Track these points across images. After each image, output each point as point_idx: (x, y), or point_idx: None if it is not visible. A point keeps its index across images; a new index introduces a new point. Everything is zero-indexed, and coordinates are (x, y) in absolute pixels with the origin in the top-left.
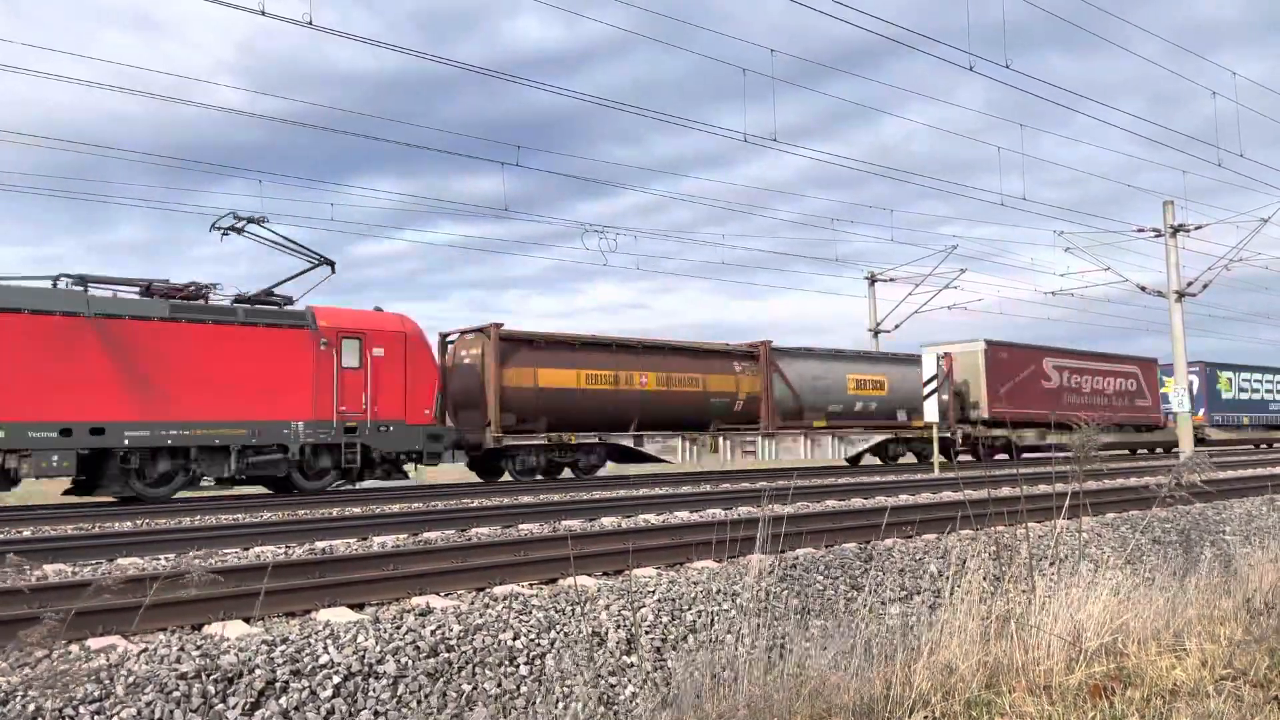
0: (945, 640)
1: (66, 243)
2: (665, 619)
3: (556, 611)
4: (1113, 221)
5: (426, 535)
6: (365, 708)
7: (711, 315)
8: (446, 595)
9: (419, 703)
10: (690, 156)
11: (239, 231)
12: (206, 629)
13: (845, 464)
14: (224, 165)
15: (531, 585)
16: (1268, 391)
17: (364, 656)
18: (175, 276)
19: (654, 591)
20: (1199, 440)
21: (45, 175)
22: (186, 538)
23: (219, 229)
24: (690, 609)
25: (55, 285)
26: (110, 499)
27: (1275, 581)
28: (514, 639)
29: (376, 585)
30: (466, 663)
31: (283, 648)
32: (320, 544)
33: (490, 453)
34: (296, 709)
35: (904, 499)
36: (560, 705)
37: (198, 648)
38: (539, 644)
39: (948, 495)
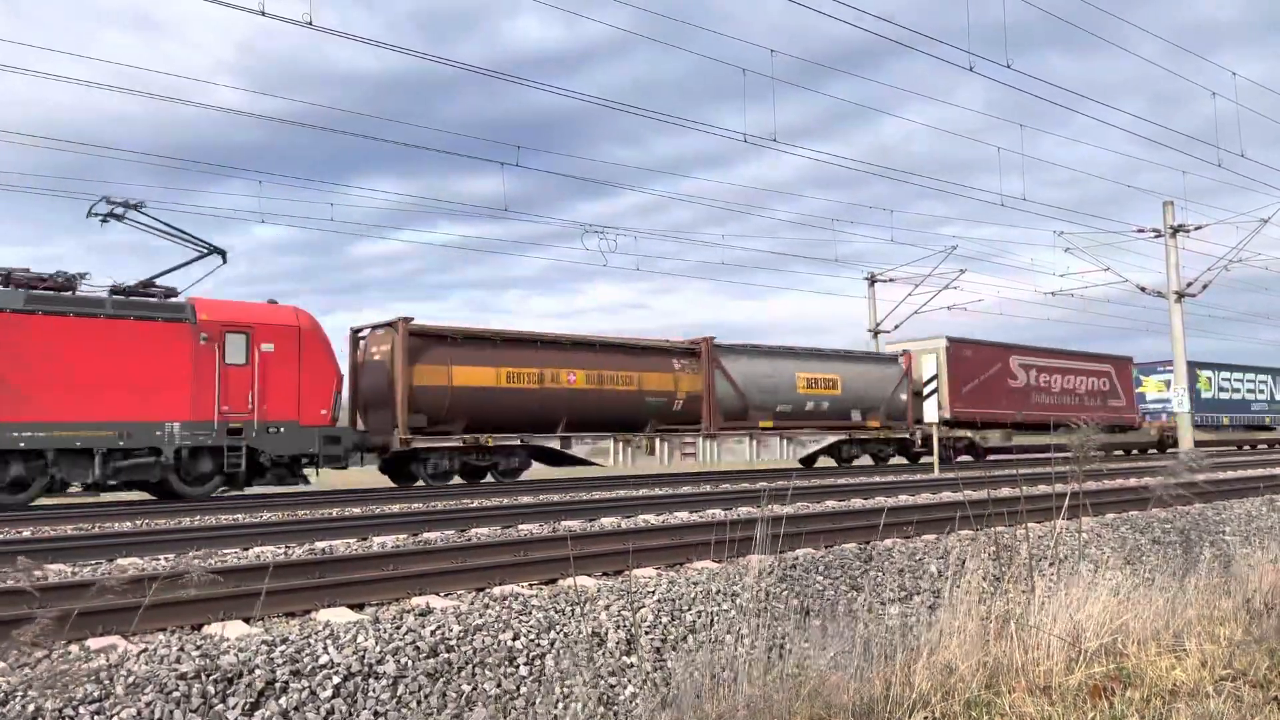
0: (945, 640)
1: (66, 243)
2: (665, 619)
3: (556, 612)
4: (1112, 222)
5: (426, 535)
6: (365, 708)
7: (711, 315)
8: (446, 595)
9: (419, 703)
10: (690, 157)
11: (118, 218)
12: (206, 629)
13: (799, 465)
14: (223, 165)
15: (531, 585)
16: (1249, 391)
17: (364, 657)
18: (175, 277)
19: (654, 592)
20: (1176, 442)
21: (45, 175)
22: (186, 538)
23: (96, 215)
24: (690, 609)
25: None
26: None
27: (1275, 582)
28: (514, 639)
29: (376, 585)
30: (466, 663)
31: (282, 648)
32: (320, 544)
33: (401, 456)
34: (296, 709)
35: (903, 499)
36: (560, 705)
37: (197, 648)
38: (539, 644)
39: (947, 495)
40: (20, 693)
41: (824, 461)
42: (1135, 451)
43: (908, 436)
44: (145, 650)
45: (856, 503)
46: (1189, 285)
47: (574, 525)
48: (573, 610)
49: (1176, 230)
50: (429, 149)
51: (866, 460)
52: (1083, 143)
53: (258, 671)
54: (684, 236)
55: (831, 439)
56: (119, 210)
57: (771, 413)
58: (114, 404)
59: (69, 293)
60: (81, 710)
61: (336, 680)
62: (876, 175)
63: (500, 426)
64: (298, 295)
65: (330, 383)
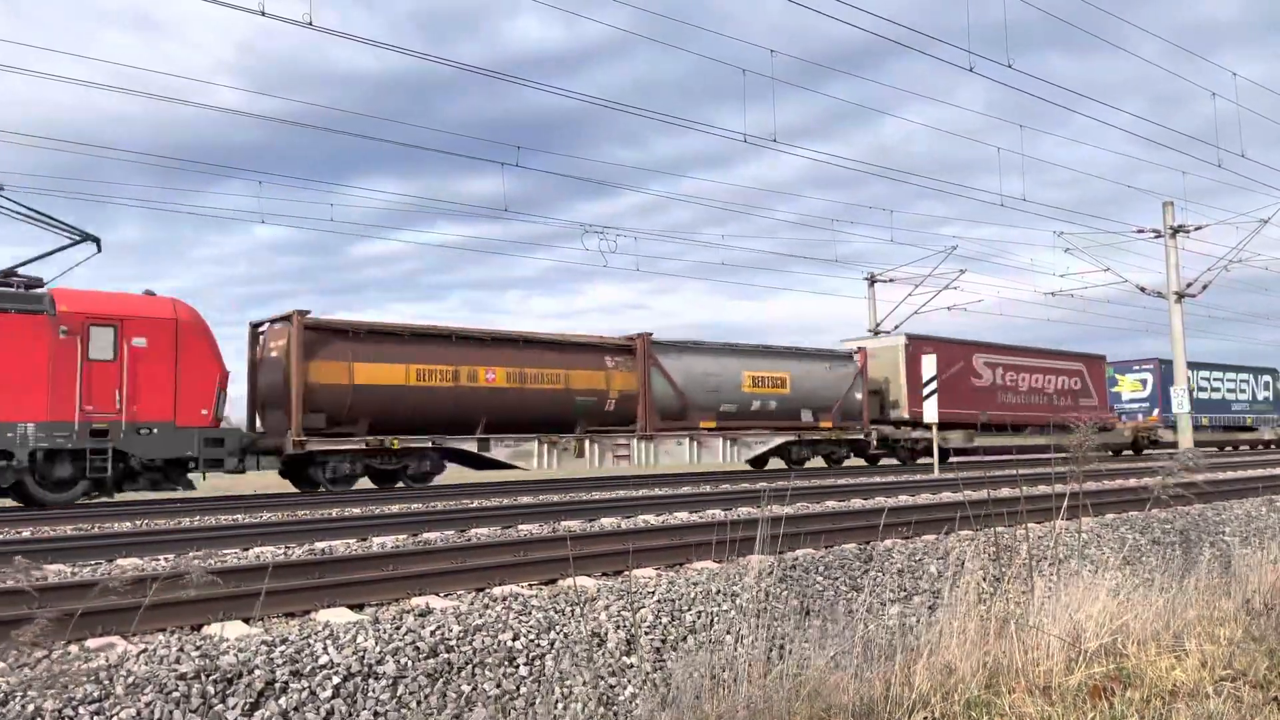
0: (945, 641)
1: None
2: (665, 619)
3: (556, 612)
4: (1112, 222)
5: (426, 536)
6: (365, 708)
7: (711, 316)
8: (446, 596)
9: (418, 703)
10: (690, 157)
11: None
12: (206, 629)
13: (748, 467)
14: (222, 165)
15: (531, 586)
16: (1230, 391)
17: (363, 657)
18: (175, 278)
19: (653, 592)
20: (1152, 443)
21: (45, 175)
22: (186, 538)
23: None
24: (690, 610)
25: None
26: None
27: (1275, 582)
28: (513, 639)
29: (376, 586)
30: (466, 663)
31: (282, 648)
32: (320, 544)
33: (297, 459)
34: (296, 709)
35: (903, 499)
36: (560, 706)
37: (197, 648)
38: (538, 644)
39: (947, 496)
40: (20, 693)
41: (801, 464)
42: (1109, 453)
43: (862, 437)
44: (145, 650)
45: (856, 503)
46: (1189, 286)
47: (574, 525)
48: (572, 610)
49: (1176, 230)
50: (429, 149)
51: (819, 462)
52: (1083, 143)
53: (257, 672)
54: (684, 237)
55: (780, 440)
56: None
57: (714, 413)
58: None
59: None
60: (81, 710)
61: (336, 680)
62: (876, 175)
63: (410, 428)
64: (296, 295)
65: (212, 380)
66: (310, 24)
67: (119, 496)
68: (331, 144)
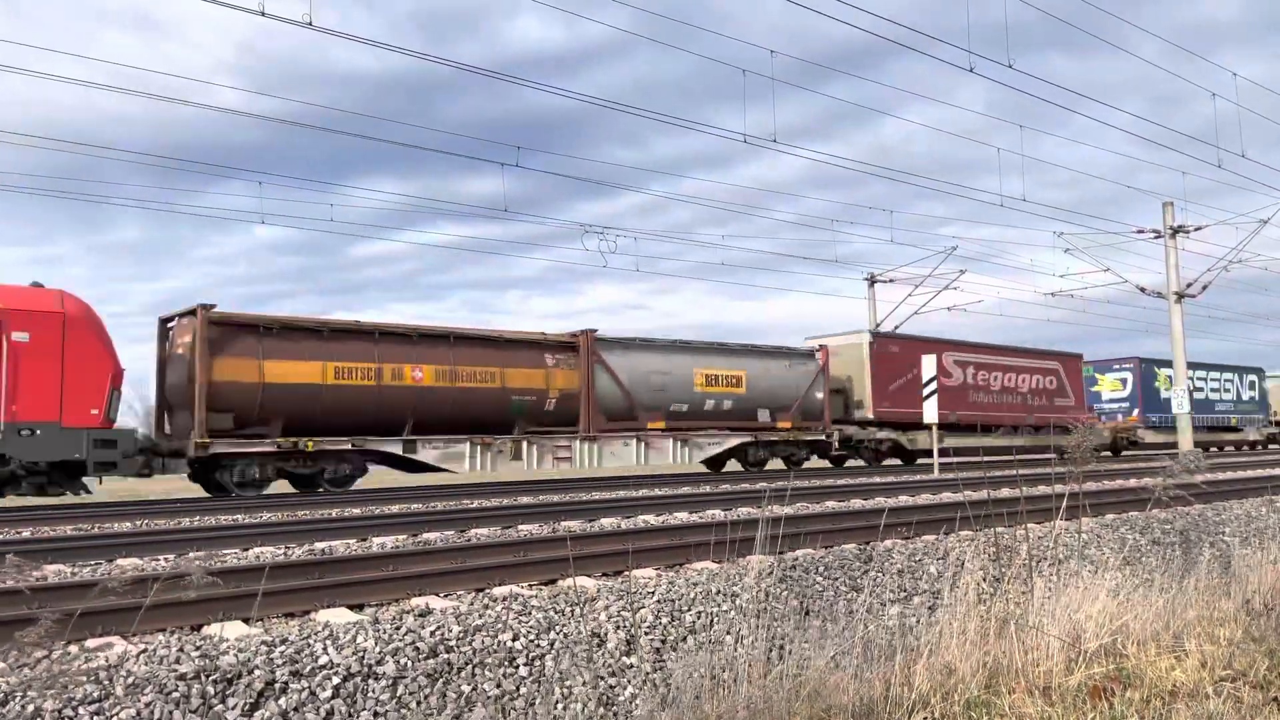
0: (944, 641)
1: (66, 243)
2: (665, 620)
3: (556, 612)
4: (1112, 223)
5: (426, 536)
6: (364, 708)
7: (711, 316)
8: (446, 596)
9: (418, 703)
10: (690, 157)
11: None
12: (206, 630)
13: (705, 470)
14: (221, 165)
15: (531, 586)
16: (1214, 390)
17: (363, 657)
18: (175, 277)
19: (653, 592)
20: (1131, 444)
21: (44, 175)
22: (186, 538)
23: None
24: (690, 610)
25: None
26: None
27: (1275, 583)
28: (513, 640)
29: (376, 586)
30: (466, 663)
31: (282, 648)
32: (320, 545)
33: (204, 462)
34: (296, 710)
35: (903, 500)
36: (560, 706)
37: (197, 648)
38: (538, 645)
39: (947, 496)
40: (20, 693)
41: (759, 466)
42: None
43: (824, 438)
44: (145, 651)
45: (856, 503)
46: (1189, 286)
47: (574, 525)
48: (572, 611)
49: (1176, 231)
50: (429, 149)
51: (779, 464)
52: (1083, 143)
53: (257, 672)
54: (684, 237)
55: (735, 441)
56: None
57: (664, 413)
58: None
59: None
60: (81, 710)
61: (336, 681)
62: (876, 176)
63: (329, 429)
64: (296, 296)
65: (104, 378)
66: (310, 24)
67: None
68: (331, 144)
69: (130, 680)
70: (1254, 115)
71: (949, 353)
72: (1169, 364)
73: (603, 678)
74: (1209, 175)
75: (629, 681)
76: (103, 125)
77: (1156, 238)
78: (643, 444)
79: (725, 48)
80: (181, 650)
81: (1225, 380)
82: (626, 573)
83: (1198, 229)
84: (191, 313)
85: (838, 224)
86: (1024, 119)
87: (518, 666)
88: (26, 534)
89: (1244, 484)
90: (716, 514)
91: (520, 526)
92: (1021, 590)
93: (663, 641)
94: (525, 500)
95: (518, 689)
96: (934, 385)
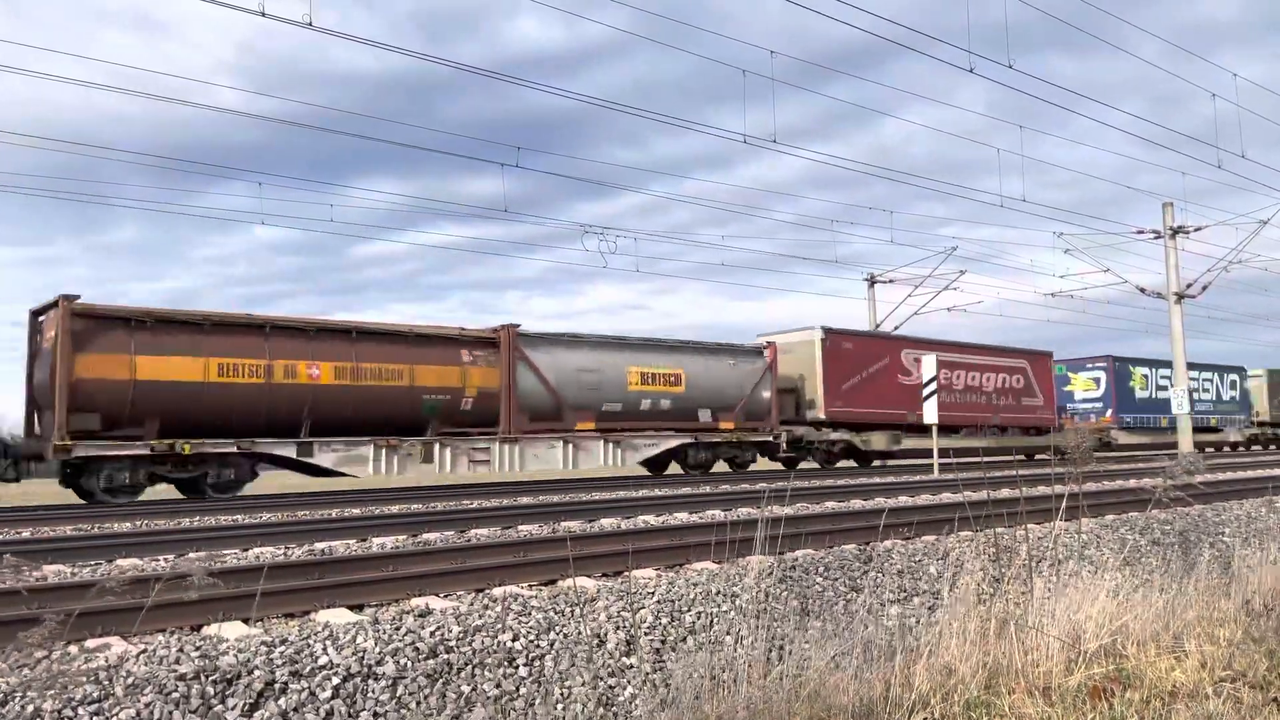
0: (944, 641)
1: (66, 244)
2: (665, 620)
3: (556, 613)
4: (1112, 223)
5: (426, 536)
6: (364, 709)
7: (711, 316)
8: (446, 596)
9: (418, 704)
10: (690, 157)
11: None
12: (205, 630)
13: (648, 473)
14: (220, 165)
15: (531, 586)
16: (1193, 390)
17: (363, 658)
18: (175, 278)
19: (653, 593)
20: (1104, 446)
21: (44, 176)
22: (186, 539)
23: None
24: (690, 610)
25: None
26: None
27: (1275, 583)
28: (513, 640)
29: (376, 586)
30: (466, 664)
31: (282, 649)
32: (320, 545)
33: (77, 465)
34: (295, 710)
35: (903, 500)
36: (559, 707)
37: (197, 649)
38: (538, 645)
39: (947, 497)
40: (20, 693)
41: (700, 469)
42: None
43: (770, 439)
44: (144, 651)
45: (856, 503)
46: (1188, 286)
47: (574, 526)
48: (572, 611)
49: (1176, 231)
50: (429, 149)
51: (722, 467)
52: (1083, 144)
53: (257, 672)
54: (684, 238)
55: (673, 442)
56: None
57: (594, 413)
58: None
59: None
60: (80, 711)
61: (336, 681)
62: (876, 176)
63: (214, 430)
64: (296, 296)
65: None
66: (310, 25)
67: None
68: (331, 144)
69: (130, 680)
70: (1254, 116)
71: (907, 350)
72: (1144, 362)
73: (602, 678)
74: (1209, 176)
75: (629, 682)
76: (102, 125)
77: (1156, 238)
78: (570, 446)
79: (725, 48)
80: (181, 650)
81: (1205, 379)
82: (626, 573)
83: (1197, 229)
84: (55, 304)
85: (838, 224)
86: (1024, 119)
87: (517, 667)
88: (26, 534)
89: (1244, 484)
90: (716, 514)
91: (520, 527)
92: (1021, 591)
93: (662, 642)
94: (525, 500)
95: (517, 689)
96: (934, 386)
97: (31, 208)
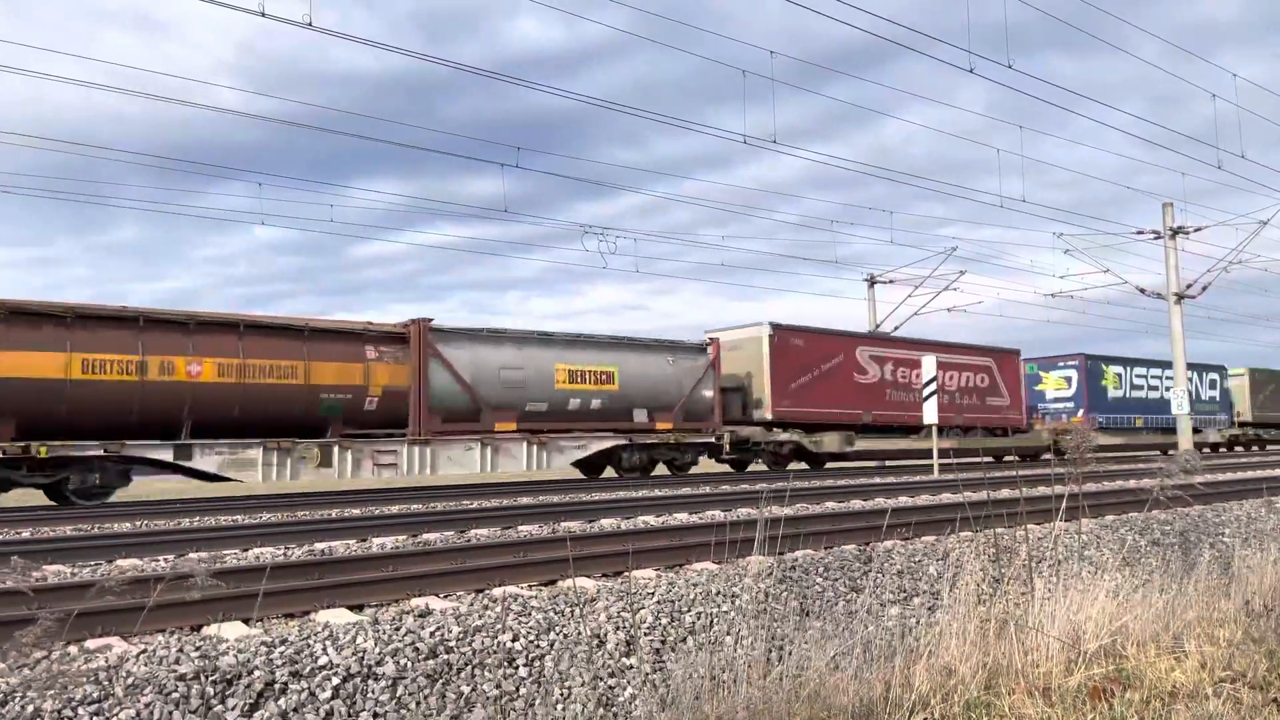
0: (944, 642)
1: (67, 244)
2: (664, 620)
3: (556, 613)
4: (1112, 224)
5: (426, 536)
6: (364, 709)
7: (710, 317)
8: (446, 596)
9: (418, 704)
10: (690, 158)
11: None
12: (205, 630)
13: (577, 473)
14: (219, 165)
15: (531, 587)
16: (1170, 390)
17: (363, 658)
18: (175, 278)
19: (653, 593)
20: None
21: (44, 176)
22: (186, 539)
23: None
24: (689, 611)
25: None
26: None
27: (1275, 584)
28: (513, 640)
29: (376, 586)
30: (465, 664)
31: (282, 649)
32: (320, 545)
33: None
34: (295, 710)
35: (903, 500)
36: (559, 707)
37: (196, 649)
38: (538, 645)
39: (947, 497)
40: (19, 694)
41: (636, 472)
42: (1019, 459)
43: (712, 440)
44: (144, 651)
45: (856, 504)
46: (1188, 287)
47: (573, 526)
48: (572, 611)
49: (1176, 232)
50: (429, 150)
51: (662, 470)
52: (1083, 144)
53: (257, 673)
54: (684, 238)
55: (604, 444)
56: None
57: (517, 413)
58: None
59: None
60: (80, 711)
61: (336, 681)
62: (876, 176)
63: (78, 431)
64: (296, 296)
65: None
66: (310, 25)
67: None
68: (331, 144)
69: (130, 681)
70: (1254, 116)
71: (863, 347)
72: (1118, 360)
73: (602, 678)
74: (1209, 176)
75: (629, 682)
76: (102, 125)
77: (1156, 239)
78: (489, 448)
79: (725, 48)
80: (181, 651)
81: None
82: (626, 573)
83: (1197, 230)
84: None
85: (838, 225)
86: (1024, 120)
87: (517, 667)
88: (26, 534)
89: (1244, 485)
90: (716, 515)
91: (520, 527)
92: (1021, 591)
93: (662, 642)
94: (525, 501)
95: (517, 690)
96: (934, 386)
97: (31, 208)
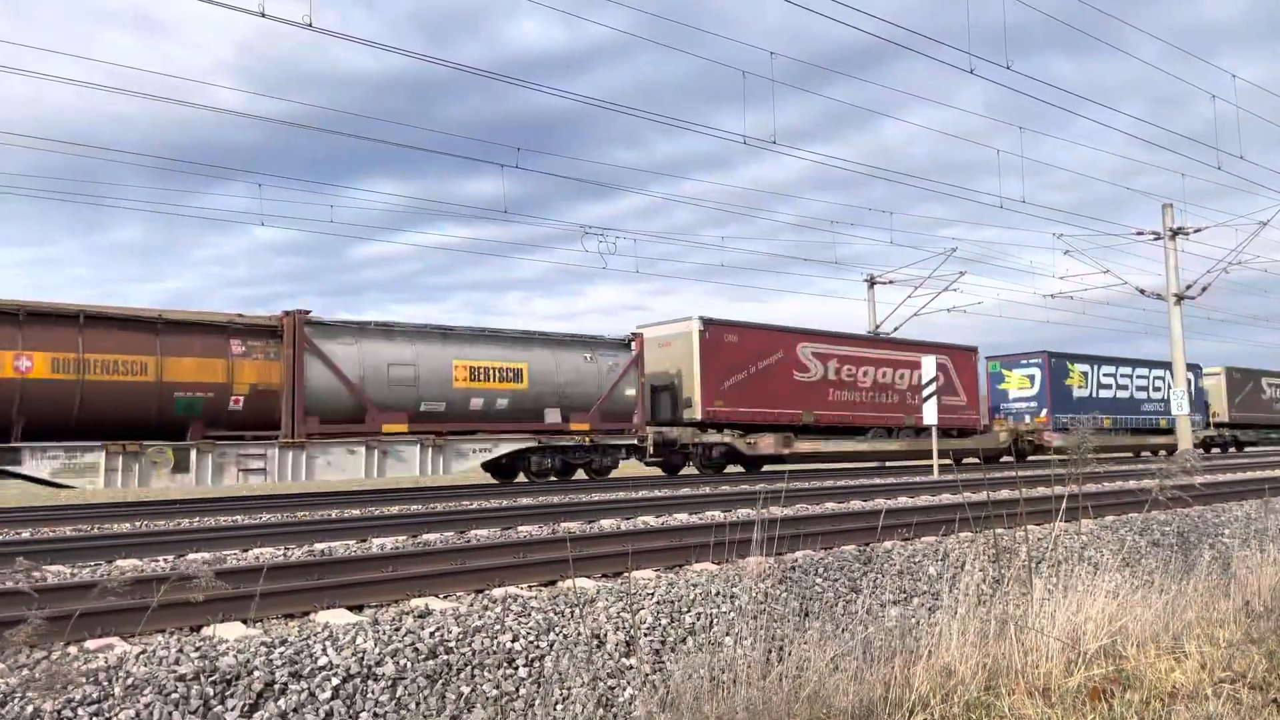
0: (944, 642)
1: (67, 245)
2: (664, 621)
3: (555, 614)
4: (1112, 224)
5: (426, 537)
6: (364, 710)
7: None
8: (445, 597)
9: (418, 705)
10: (690, 158)
11: None
12: (205, 630)
13: (488, 478)
14: (219, 166)
15: (530, 587)
16: (1140, 389)
17: (363, 658)
18: (175, 278)
19: (653, 594)
20: (1037, 449)
21: (44, 176)
22: (186, 539)
23: None
24: (689, 611)
25: None
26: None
27: (1274, 584)
28: (513, 641)
29: (375, 587)
30: (465, 665)
31: (281, 649)
32: (319, 545)
33: None
34: (295, 711)
35: (903, 501)
36: (559, 707)
37: (196, 649)
38: (538, 646)
39: (947, 497)
40: (19, 694)
41: (548, 476)
42: (977, 460)
43: (635, 442)
44: (144, 652)
45: (855, 504)
46: (1188, 288)
47: (573, 527)
48: (572, 612)
49: (1176, 233)
50: (429, 150)
51: (581, 475)
52: (1083, 145)
53: (256, 673)
54: (684, 238)
55: (512, 446)
56: None
57: (409, 413)
58: None
59: None
60: (80, 711)
61: (335, 682)
62: (876, 177)
63: None
64: (296, 297)
65: None
66: (310, 25)
67: (117, 497)
68: (331, 145)
69: (129, 681)
70: (1253, 117)
71: (805, 343)
72: (1084, 359)
73: (602, 679)
74: (1208, 177)
75: (628, 683)
76: (102, 125)
77: (1156, 239)
78: (376, 452)
79: (725, 49)
80: (181, 651)
81: (1155, 377)
82: (626, 574)
83: (1197, 231)
84: None
85: (838, 225)
86: (1024, 121)
87: (517, 668)
88: (26, 535)
89: (1244, 485)
90: (716, 515)
91: (520, 528)
92: (1021, 591)
93: (662, 643)
94: (525, 502)
95: (517, 690)
96: (933, 386)
97: (32, 208)
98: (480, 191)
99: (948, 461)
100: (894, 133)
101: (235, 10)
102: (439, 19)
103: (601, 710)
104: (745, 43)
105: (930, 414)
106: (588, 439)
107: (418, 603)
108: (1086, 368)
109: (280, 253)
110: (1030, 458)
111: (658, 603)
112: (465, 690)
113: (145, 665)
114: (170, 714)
